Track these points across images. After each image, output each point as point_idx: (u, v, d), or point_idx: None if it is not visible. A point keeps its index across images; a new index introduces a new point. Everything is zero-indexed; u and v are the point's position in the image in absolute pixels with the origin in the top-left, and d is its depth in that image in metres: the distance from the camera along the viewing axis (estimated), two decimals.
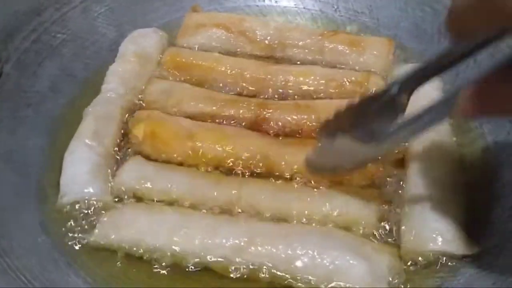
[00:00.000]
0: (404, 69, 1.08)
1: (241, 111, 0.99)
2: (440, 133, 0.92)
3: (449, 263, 0.79)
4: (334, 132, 0.80)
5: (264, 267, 0.76)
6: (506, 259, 0.76)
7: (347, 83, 1.05)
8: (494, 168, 0.90)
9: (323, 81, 1.06)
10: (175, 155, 0.92)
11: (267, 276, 0.76)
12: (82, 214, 0.84)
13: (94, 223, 0.83)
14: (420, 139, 0.89)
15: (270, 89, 1.07)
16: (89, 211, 0.84)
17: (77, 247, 0.81)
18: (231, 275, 0.77)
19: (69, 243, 0.82)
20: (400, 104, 0.71)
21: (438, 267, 0.79)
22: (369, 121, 0.75)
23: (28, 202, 0.86)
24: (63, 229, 0.83)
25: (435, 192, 0.83)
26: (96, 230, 0.81)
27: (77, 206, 0.84)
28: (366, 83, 1.04)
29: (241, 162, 0.91)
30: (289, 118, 0.98)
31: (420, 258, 0.79)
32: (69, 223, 0.84)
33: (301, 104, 1.00)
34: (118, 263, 0.80)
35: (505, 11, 0.46)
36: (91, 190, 0.84)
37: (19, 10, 1.05)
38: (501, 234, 0.80)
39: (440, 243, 0.78)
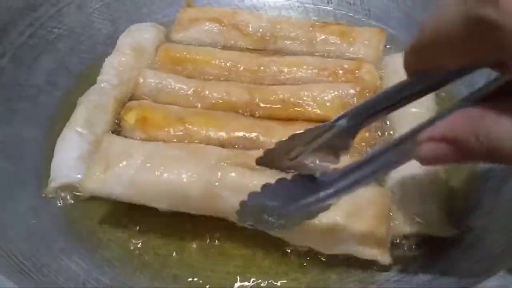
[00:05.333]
0: (396, 59, 1.09)
1: (232, 99, 1.01)
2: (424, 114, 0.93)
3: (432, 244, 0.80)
4: (274, 165, 0.71)
5: None
6: (491, 238, 0.76)
7: (340, 72, 1.06)
8: None
9: (316, 71, 1.07)
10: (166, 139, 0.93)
11: None
12: (73, 200, 0.86)
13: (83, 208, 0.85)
14: (404, 121, 0.90)
15: (264, 81, 1.08)
16: (79, 197, 0.86)
17: (70, 231, 0.83)
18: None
19: (62, 227, 0.83)
20: (346, 139, 0.63)
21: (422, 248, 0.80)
22: (311, 156, 0.67)
23: (22, 190, 0.87)
24: (56, 214, 0.85)
25: (416, 174, 0.83)
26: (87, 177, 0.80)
27: (68, 191, 0.86)
28: (357, 71, 1.05)
29: (231, 141, 0.92)
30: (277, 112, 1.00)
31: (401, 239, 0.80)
32: (61, 209, 0.85)
33: (288, 103, 1.00)
34: (112, 247, 0.82)
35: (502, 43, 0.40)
36: (79, 175, 0.85)
37: (15, 6, 1.07)
38: (486, 215, 0.81)
39: (418, 225, 0.78)
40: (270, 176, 0.69)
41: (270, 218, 0.69)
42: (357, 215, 0.76)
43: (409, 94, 0.57)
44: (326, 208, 0.67)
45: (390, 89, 0.58)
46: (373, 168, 0.60)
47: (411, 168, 0.82)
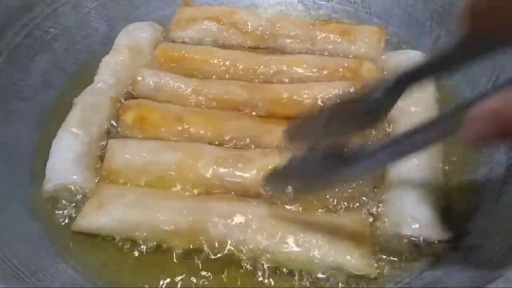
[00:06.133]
0: (395, 56, 1.08)
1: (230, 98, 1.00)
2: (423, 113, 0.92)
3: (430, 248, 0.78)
4: (302, 137, 0.69)
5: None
6: (492, 241, 0.75)
7: (340, 70, 1.05)
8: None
9: (316, 69, 1.06)
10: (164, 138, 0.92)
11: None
12: (68, 202, 0.84)
13: (79, 210, 0.83)
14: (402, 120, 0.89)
15: (263, 79, 1.07)
16: (74, 198, 0.85)
17: (66, 234, 0.81)
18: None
19: (58, 230, 0.82)
20: (381, 110, 0.60)
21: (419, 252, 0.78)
22: (343, 127, 0.64)
23: (18, 190, 0.86)
24: (52, 216, 0.83)
25: (414, 177, 0.82)
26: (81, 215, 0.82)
27: (63, 193, 0.84)
28: (359, 69, 1.04)
29: (230, 141, 0.92)
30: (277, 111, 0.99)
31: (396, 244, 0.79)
32: (57, 211, 0.84)
33: (288, 101, 0.99)
34: (107, 250, 0.80)
35: None
36: (75, 177, 0.85)
37: (11, 6, 1.06)
38: (486, 218, 0.80)
39: (414, 228, 0.77)
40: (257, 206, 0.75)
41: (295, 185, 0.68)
42: (339, 231, 0.77)
43: (455, 58, 0.53)
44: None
45: (433, 56, 0.54)
46: (413, 143, 0.58)
47: (409, 170, 0.82)
